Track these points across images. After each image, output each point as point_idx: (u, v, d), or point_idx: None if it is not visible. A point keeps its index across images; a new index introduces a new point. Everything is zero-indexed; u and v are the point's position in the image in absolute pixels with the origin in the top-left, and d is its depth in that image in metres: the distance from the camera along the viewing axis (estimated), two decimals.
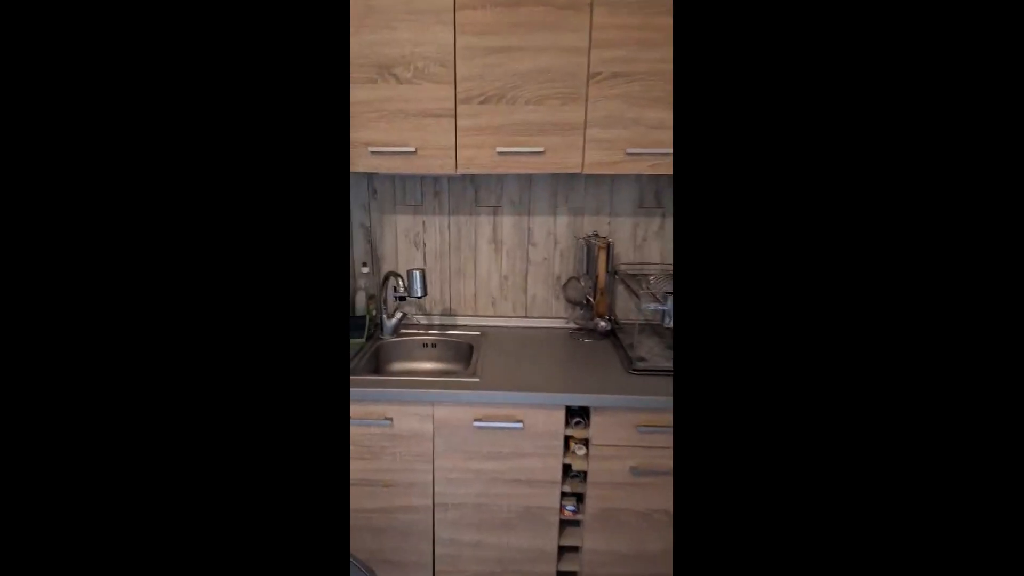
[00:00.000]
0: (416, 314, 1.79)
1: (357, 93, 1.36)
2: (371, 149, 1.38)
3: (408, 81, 1.35)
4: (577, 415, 1.37)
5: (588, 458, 1.36)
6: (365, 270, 1.69)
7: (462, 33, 1.31)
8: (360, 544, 1.44)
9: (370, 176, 1.69)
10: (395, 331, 1.65)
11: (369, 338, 1.62)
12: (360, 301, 1.67)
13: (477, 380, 1.35)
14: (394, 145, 1.38)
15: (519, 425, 1.31)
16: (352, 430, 1.34)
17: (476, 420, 1.32)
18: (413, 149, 1.38)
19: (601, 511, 1.39)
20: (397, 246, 1.74)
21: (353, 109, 1.37)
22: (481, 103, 1.36)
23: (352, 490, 1.39)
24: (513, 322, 1.79)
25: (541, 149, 1.37)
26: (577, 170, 1.39)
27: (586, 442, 1.36)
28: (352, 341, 1.57)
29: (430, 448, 1.36)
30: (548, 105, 1.35)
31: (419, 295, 1.54)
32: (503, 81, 1.34)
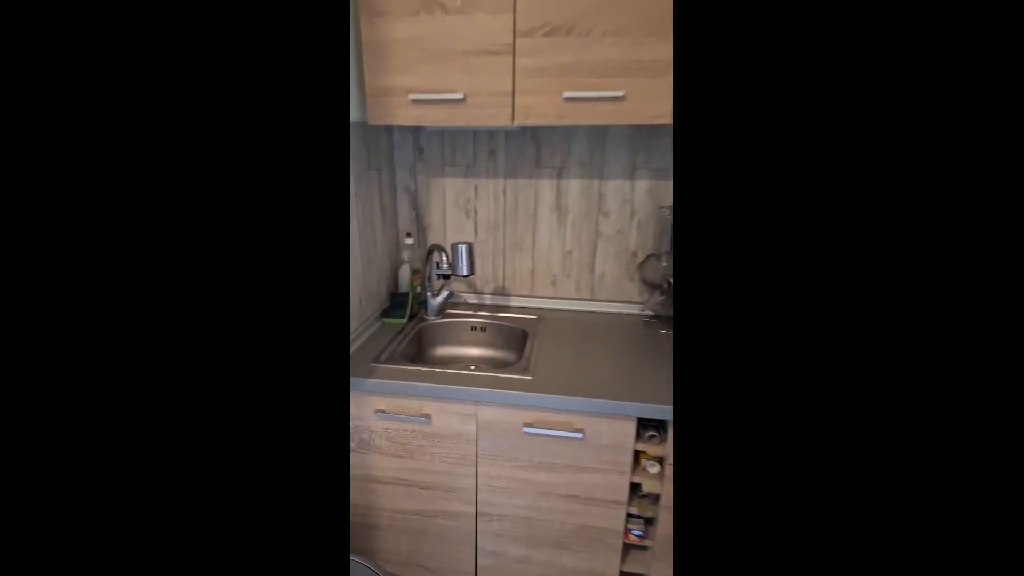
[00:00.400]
0: (465, 292, 1.59)
1: (395, 29, 1.12)
2: (412, 96, 1.15)
3: (457, 11, 1.09)
4: (651, 427, 1.12)
5: (662, 478, 1.12)
6: (409, 241, 1.49)
7: None
8: (394, 546, 1.30)
9: (415, 132, 1.47)
10: (441, 311, 1.46)
11: (412, 317, 1.45)
12: (404, 276, 1.49)
13: (529, 379, 1.13)
14: (439, 91, 1.15)
15: (579, 435, 1.09)
16: (386, 424, 1.18)
17: (527, 426, 1.10)
18: (461, 96, 1.14)
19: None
20: (445, 214, 1.53)
21: (390, 50, 1.14)
22: (546, 35, 1.08)
23: (386, 489, 1.24)
24: (576, 305, 1.54)
25: (620, 93, 1.08)
26: (666, 121, 1.09)
27: (661, 460, 1.12)
28: (393, 321, 1.40)
29: (473, 451, 1.17)
30: (632, 37, 1.05)
31: (465, 273, 1.33)
32: (575, 7, 1.05)
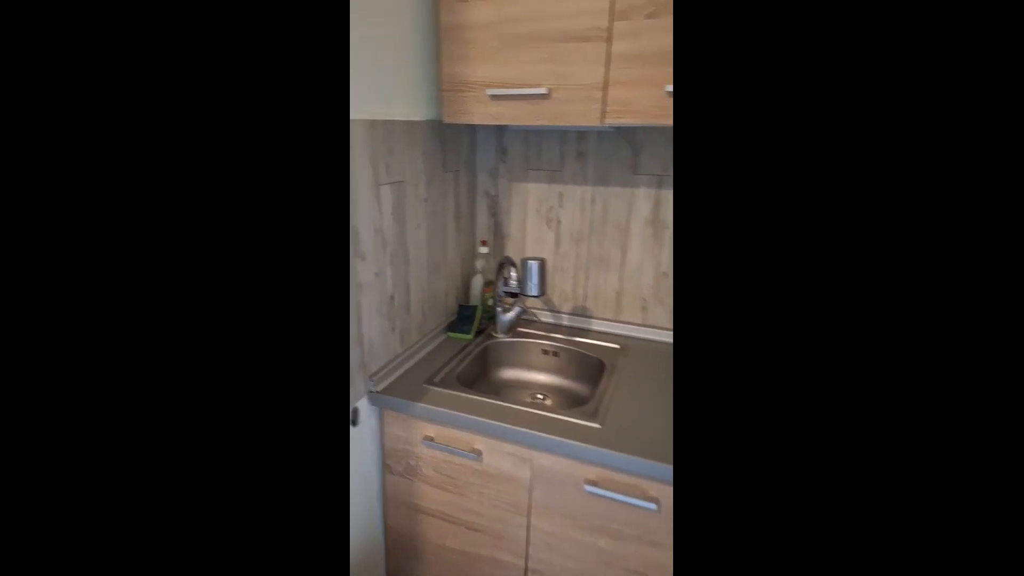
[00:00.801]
0: (540, 309, 1.43)
1: (473, 14, 1.00)
2: (490, 91, 1.02)
3: None
4: None
5: None
6: (484, 250, 1.37)
7: None
8: None
9: (499, 131, 1.34)
10: (510, 329, 1.32)
11: (480, 333, 1.33)
12: (475, 287, 1.38)
13: (597, 427, 0.94)
14: (519, 85, 1.00)
15: (652, 506, 0.89)
16: (433, 453, 1.07)
17: (589, 483, 0.93)
18: (544, 90, 0.98)
19: None
20: (526, 222, 1.39)
21: (469, 35, 1.02)
22: (650, 16, 0.89)
23: (432, 522, 1.14)
24: (668, 337, 1.32)
25: None
26: None
27: None
28: (458, 336, 1.29)
29: (525, 499, 1.02)
30: None
31: (534, 293, 1.18)
32: None
